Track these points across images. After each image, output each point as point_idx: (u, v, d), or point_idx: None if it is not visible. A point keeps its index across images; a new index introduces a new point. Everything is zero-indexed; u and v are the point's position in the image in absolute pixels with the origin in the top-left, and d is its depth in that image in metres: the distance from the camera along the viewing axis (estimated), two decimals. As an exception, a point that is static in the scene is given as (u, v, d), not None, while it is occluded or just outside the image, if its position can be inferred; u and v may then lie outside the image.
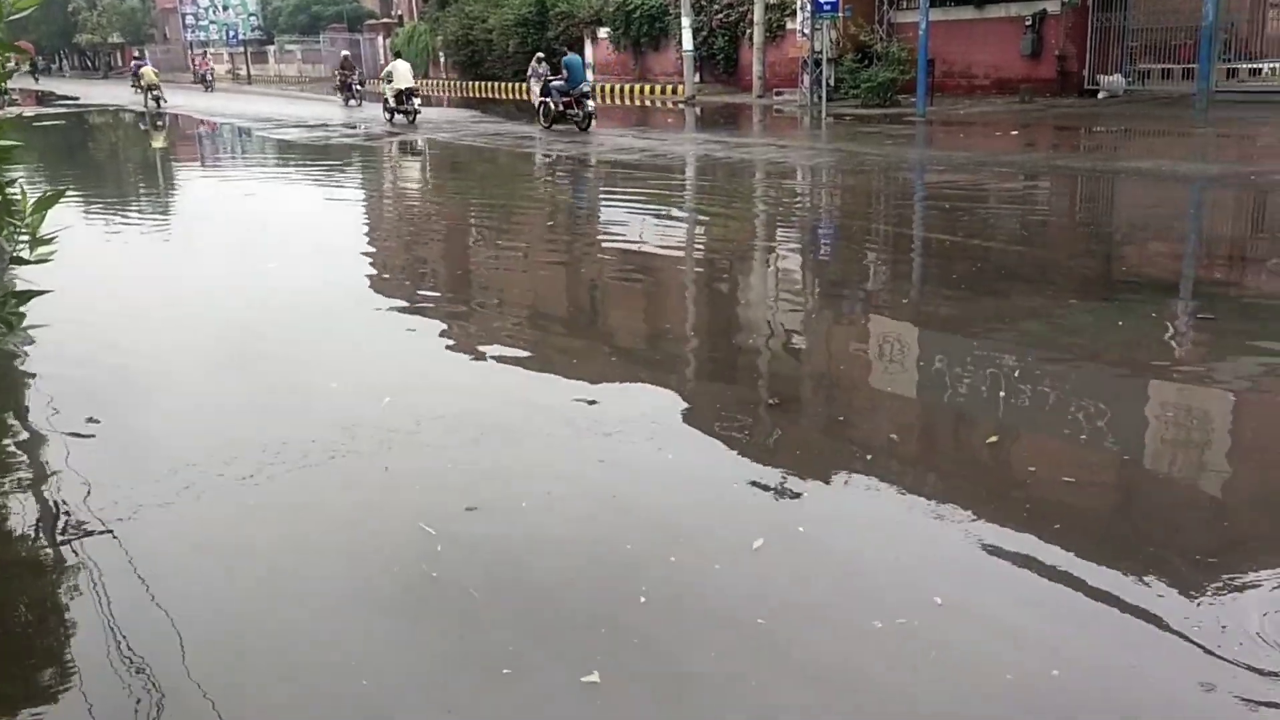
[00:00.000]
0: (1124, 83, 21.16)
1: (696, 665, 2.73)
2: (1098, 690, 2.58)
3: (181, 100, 35.46)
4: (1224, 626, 2.76)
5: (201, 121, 28.09)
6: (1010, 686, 2.59)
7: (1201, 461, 4.11)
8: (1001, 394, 4.81)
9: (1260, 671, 2.57)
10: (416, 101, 23.24)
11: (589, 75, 21.26)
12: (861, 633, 2.83)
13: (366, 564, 3.35)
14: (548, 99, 20.20)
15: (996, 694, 2.57)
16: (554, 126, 20.08)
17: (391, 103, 23.38)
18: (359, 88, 29.76)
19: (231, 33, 55.83)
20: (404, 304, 6.91)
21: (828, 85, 22.29)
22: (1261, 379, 4.95)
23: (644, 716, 2.55)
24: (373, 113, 25.75)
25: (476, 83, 37.11)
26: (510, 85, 34.46)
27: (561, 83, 19.87)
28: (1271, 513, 3.62)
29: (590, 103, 19.71)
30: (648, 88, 31.07)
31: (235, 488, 3.92)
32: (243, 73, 53.62)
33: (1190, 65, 19.75)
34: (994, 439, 4.26)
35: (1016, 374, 5.03)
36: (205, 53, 50.88)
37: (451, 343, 6.07)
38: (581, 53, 34.34)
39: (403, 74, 23.41)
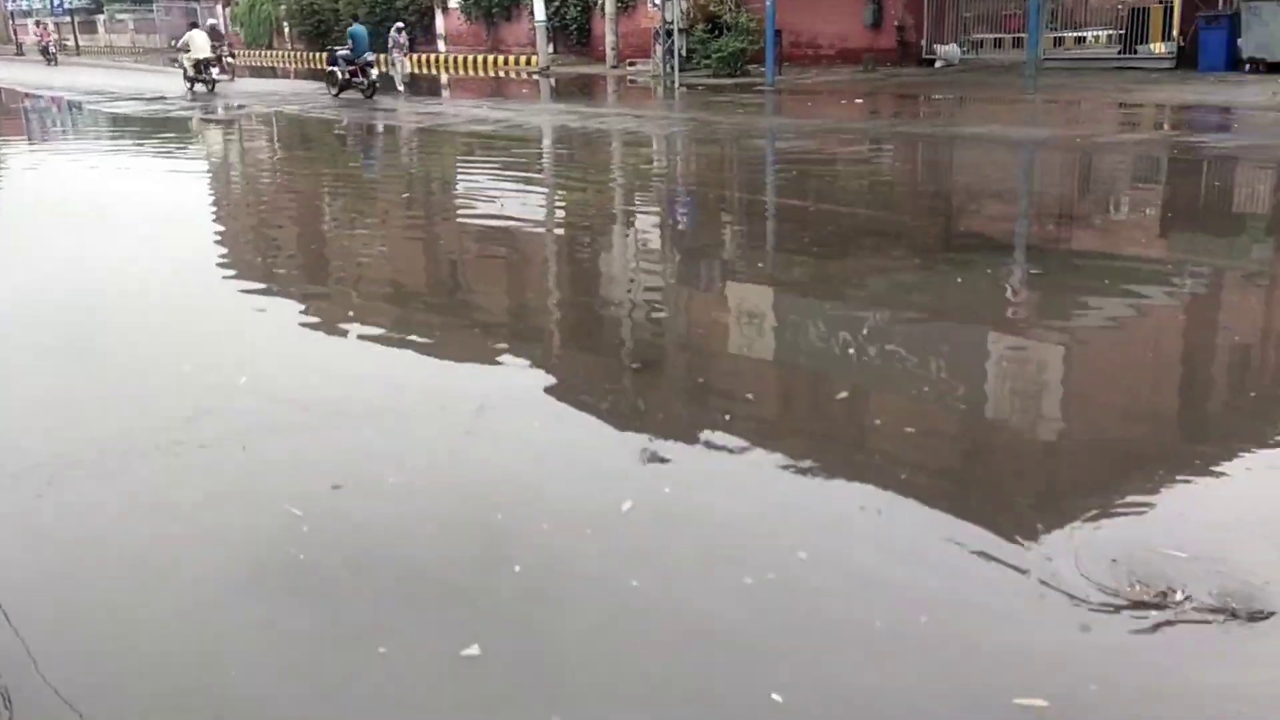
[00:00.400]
0: (959, 52, 22.08)
1: (575, 630, 2.78)
2: (962, 631, 2.70)
3: (3, 73, 33.16)
4: (1050, 559, 2.97)
5: (26, 95, 26.34)
6: (883, 634, 2.69)
7: (1032, 409, 4.39)
8: (850, 351, 5.01)
9: (1084, 602, 2.77)
10: (215, 71, 23.69)
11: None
12: (733, 589, 2.90)
13: (231, 550, 3.27)
14: (335, 68, 21.57)
15: (872, 642, 2.67)
16: (341, 95, 21.36)
17: (190, 73, 23.65)
18: (231, 60, 27.05)
19: (56, 0, 52.36)
20: (258, 281, 6.70)
21: (680, 55, 22.47)
22: (1085, 330, 5.29)
23: (527, 684, 2.58)
24: (240, 86, 24.96)
25: (324, 54, 35.87)
26: (358, 56, 33.41)
27: (347, 52, 21.42)
28: (1091, 455, 3.89)
29: (373, 71, 21.24)
30: (500, 59, 30.67)
31: (86, 478, 3.76)
32: (70, 43, 50.36)
33: (1020, 35, 20.74)
34: (844, 394, 4.45)
35: (864, 331, 5.25)
36: (38, 20, 47.38)
37: (309, 320, 5.93)
38: (432, 23, 33.72)
39: (200, 44, 23.73)
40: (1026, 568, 2.94)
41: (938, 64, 21.89)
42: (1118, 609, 2.72)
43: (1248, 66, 17.93)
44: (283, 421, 4.23)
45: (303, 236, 8.91)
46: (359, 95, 20.92)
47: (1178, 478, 3.56)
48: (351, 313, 5.96)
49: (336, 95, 21.30)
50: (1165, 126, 13.67)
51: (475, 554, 3.19)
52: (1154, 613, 2.68)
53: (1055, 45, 21.41)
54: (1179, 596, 2.73)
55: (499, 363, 5.03)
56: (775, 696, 2.45)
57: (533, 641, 2.73)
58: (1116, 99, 15.84)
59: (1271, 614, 2.66)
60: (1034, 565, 2.95)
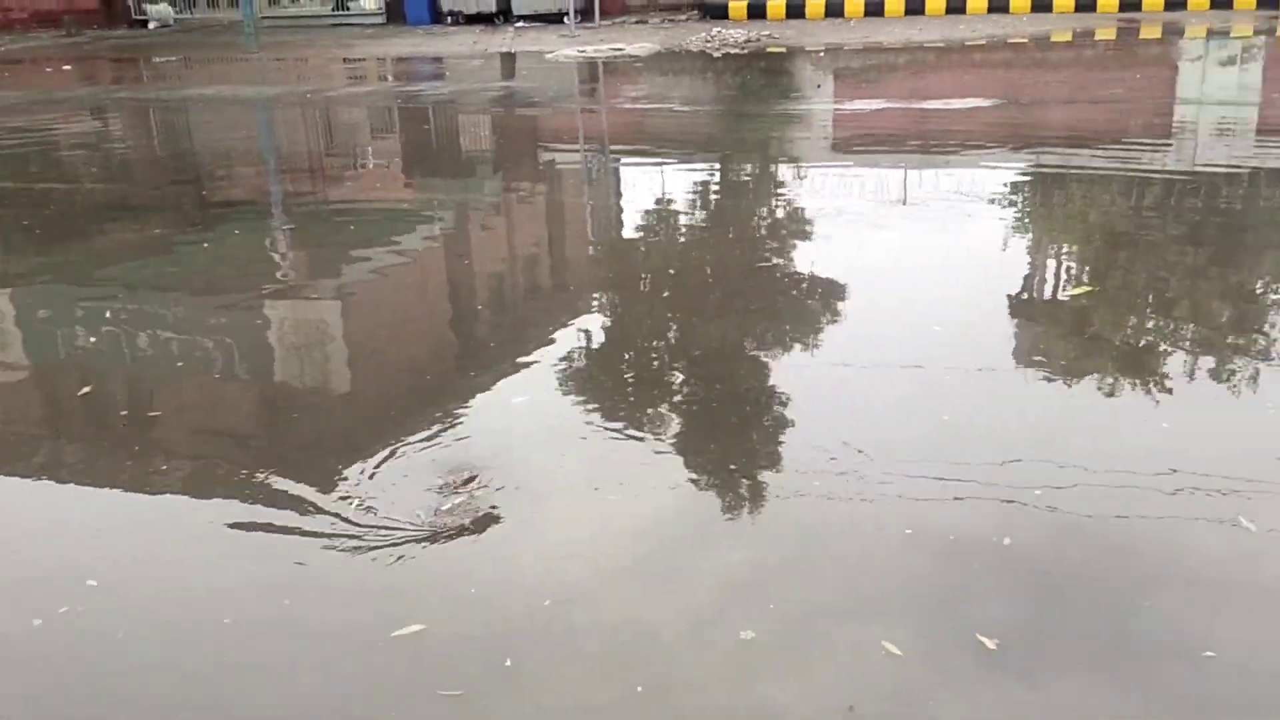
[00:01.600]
0: (173, 12, 21.08)
1: None
2: (315, 602, 2.55)
3: None
4: (368, 508, 2.95)
5: None
6: (232, 628, 2.43)
7: (310, 366, 4.29)
8: (93, 340, 4.46)
9: (408, 525, 2.80)
10: None
11: None
12: (21, 633, 2.41)
13: None
14: None
15: (224, 642, 2.40)
16: None
17: None
18: None
19: None
20: None
21: None
22: (345, 276, 5.34)
23: None
24: None
25: None
26: None
27: None
28: (372, 400, 3.95)
29: None
30: None
31: None
32: None
33: (234, -7, 20.38)
34: (88, 389, 3.91)
35: (109, 315, 4.68)
36: None
37: None
38: None
39: None
40: (347, 520, 2.86)
41: (151, 25, 20.66)
42: (432, 523, 2.79)
43: (450, 19, 19.74)
44: None
45: None
46: None
47: (443, 402, 3.67)
48: None
49: None
50: (389, 78, 14.46)
51: None
52: (461, 516, 2.81)
53: (271, 4, 21.41)
54: (450, 504, 2.92)
55: None
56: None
57: None
58: (339, 54, 16.36)
59: (476, 475, 3.04)
60: (355, 512, 2.89)
